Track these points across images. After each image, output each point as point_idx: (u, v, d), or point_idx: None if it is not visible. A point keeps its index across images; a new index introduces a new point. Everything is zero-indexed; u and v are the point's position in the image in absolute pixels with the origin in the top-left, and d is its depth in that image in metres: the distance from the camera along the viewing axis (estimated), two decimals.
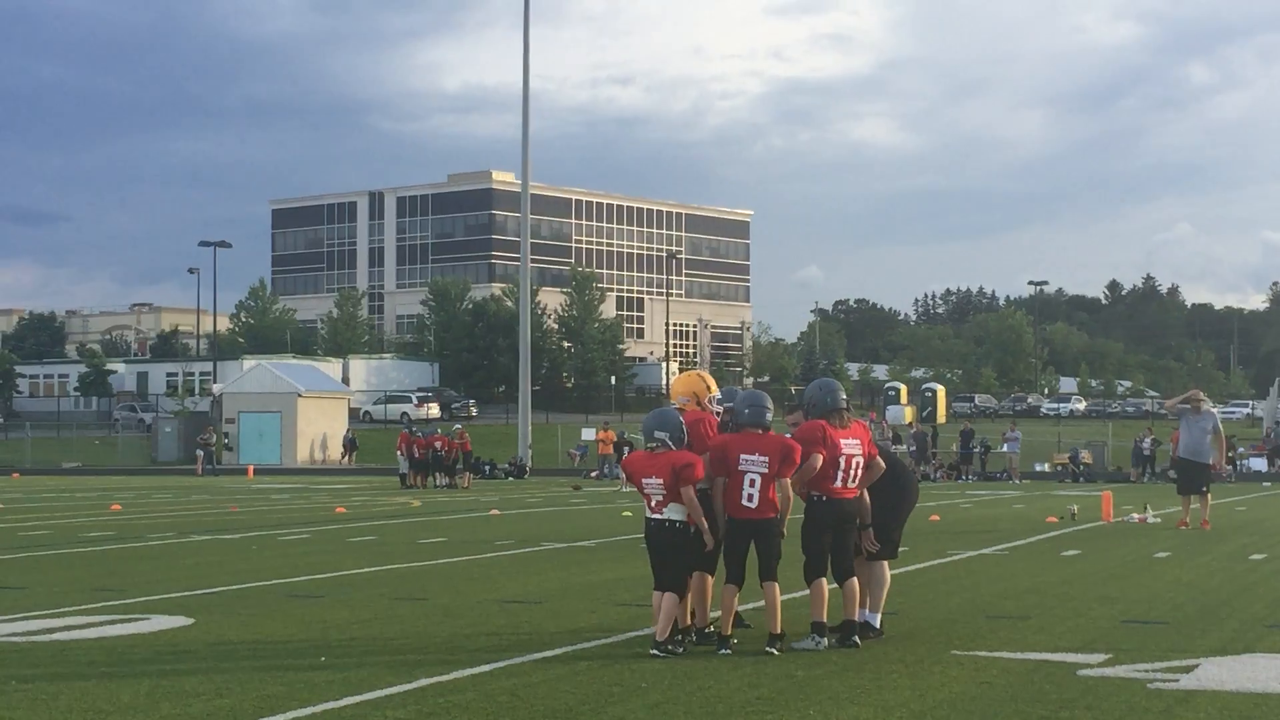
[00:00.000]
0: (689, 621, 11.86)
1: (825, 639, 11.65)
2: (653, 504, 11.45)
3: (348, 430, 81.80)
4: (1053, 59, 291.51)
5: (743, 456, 11.43)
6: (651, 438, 11.53)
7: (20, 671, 10.64)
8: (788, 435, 11.94)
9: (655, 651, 11.20)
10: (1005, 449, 61.61)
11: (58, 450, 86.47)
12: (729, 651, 11.30)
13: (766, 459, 11.44)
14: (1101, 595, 15.57)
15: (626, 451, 47.47)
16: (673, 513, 11.39)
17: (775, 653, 11.24)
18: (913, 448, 60.14)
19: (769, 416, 11.73)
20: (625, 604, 14.30)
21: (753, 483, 11.42)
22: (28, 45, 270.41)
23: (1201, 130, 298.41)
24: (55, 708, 9.27)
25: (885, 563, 12.51)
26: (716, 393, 12.34)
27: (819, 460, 11.71)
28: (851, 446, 11.90)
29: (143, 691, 9.81)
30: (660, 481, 11.34)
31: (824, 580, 11.78)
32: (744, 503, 11.44)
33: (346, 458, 77.52)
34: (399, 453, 53.48)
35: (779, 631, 11.39)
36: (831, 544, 11.89)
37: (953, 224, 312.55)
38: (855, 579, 11.96)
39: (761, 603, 11.66)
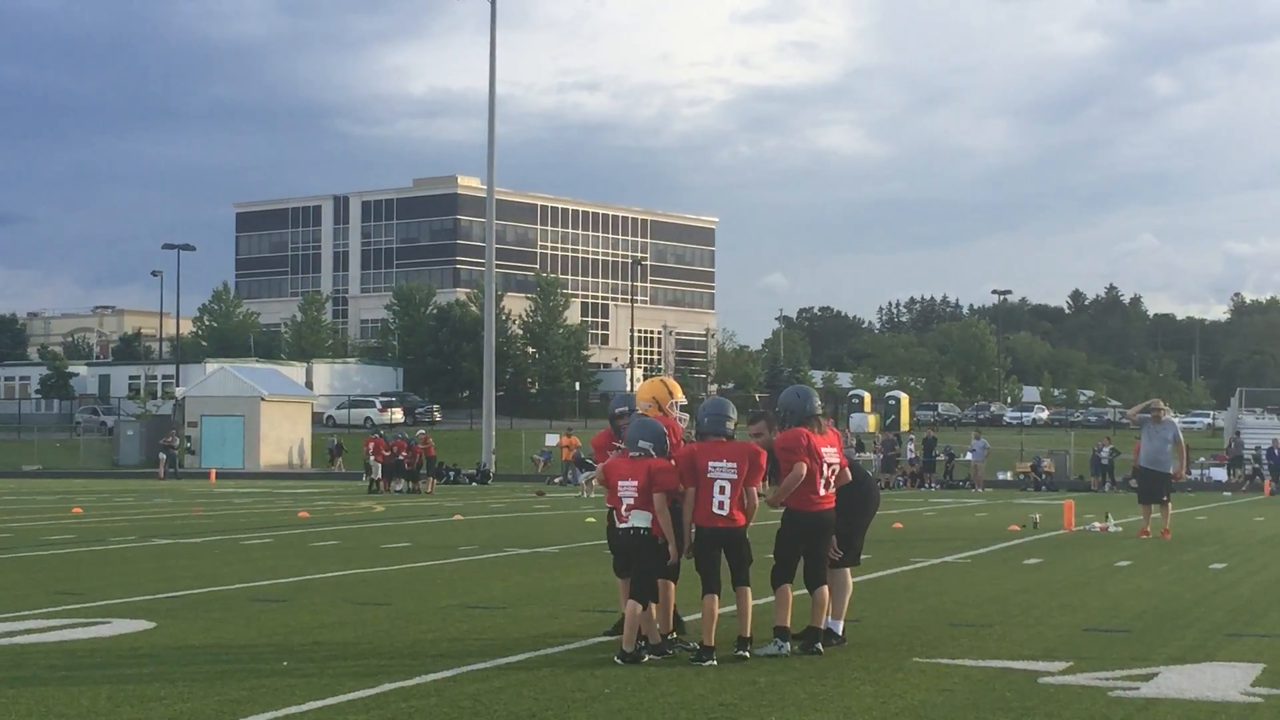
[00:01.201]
0: (670, 629, 11.90)
1: (789, 644, 11.66)
2: (623, 509, 11.47)
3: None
4: (1018, 69, 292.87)
5: (711, 464, 11.41)
6: (635, 446, 11.54)
7: None
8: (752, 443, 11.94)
9: (618, 660, 11.21)
10: (969, 457, 61.87)
11: (18, 453, 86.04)
12: (714, 662, 11.16)
13: (735, 465, 11.42)
14: (1063, 603, 15.64)
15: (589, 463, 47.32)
16: (638, 520, 11.40)
17: (747, 655, 11.23)
18: (879, 456, 60.39)
19: (730, 425, 11.66)
20: (588, 609, 14.31)
21: (722, 490, 11.37)
22: None
23: (1165, 141, 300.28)
24: (14, 712, 9.23)
25: (848, 570, 12.53)
26: (680, 398, 12.38)
27: (804, 469, 11.69)
28: (831, 455, 11.93)
29: (103, 696, 9.77)
30: (635, 484, 11.37)
31: (789, 586, 11.78)
32: (715, 510, 11.38)
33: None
34: (371, 458, 53.11)
35: (748, 635, 11.39)
36: (805, 551, 11.90)
37: (917, 233, 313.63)
38: (826, 587, 11.97)
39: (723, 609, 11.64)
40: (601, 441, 12.75)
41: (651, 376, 13.06)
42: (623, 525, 11.52)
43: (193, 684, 10.24)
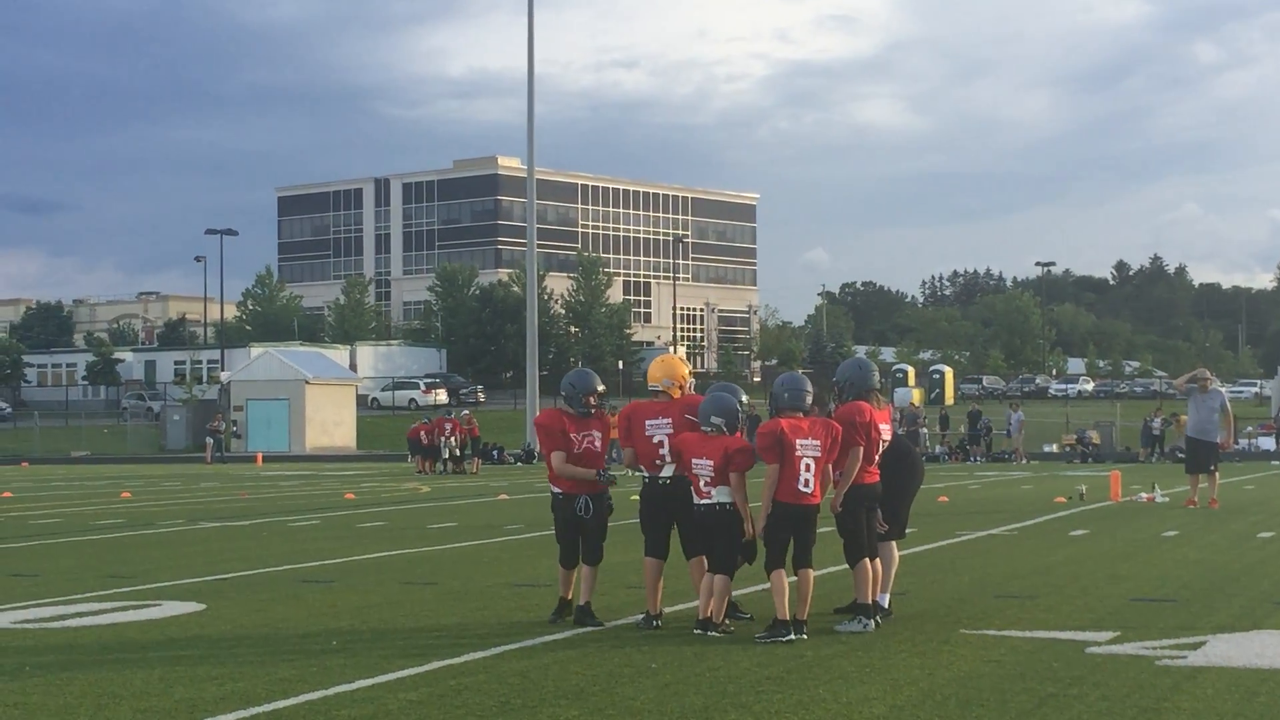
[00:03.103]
0: (658, 608, 11.99)
1: (873, 620, 11.62)
2: (700, 486, 11.51)
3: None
4: (1059, 39, 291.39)
5: (799, 442, 11.34)
6: (708, 422, 11.58)
7: (34, 658, 10.71)
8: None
9: (698, 630, 11.39)
10: (1011, 430, 61.57)
11: (66, 439, 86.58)
12: (796, 637, 11.12)
13: (819, 443, 11.39)
14: (1110, 574, 15.61)
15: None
16: (721, 495, 11.48)
17: (804, 638, 11.17)
18: (903, 429, 60.23)
19: (809, 400, 11.59)
20: (633, 586, 14.34)
21: (808, 467, 11.33)
22: (31, 34, 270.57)
23: (1209, 109, 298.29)
24: (69, 693, 9.33)
25: (894, 543, 12.51)
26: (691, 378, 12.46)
27: (860, 454, 11.69)
28: (886, 430, 11.93)
29: (155, 676, 9.86)
30: (710, 464, 11.43)
31: (867, 561, 11.74)
32: (800, 488, 11.32)
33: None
34: (443, 438, 52.98)
35: (804, 619, 11.34)
36: None
37: (959, 205, 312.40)
38: (868, 560, 11.94)
39: (764, 587, 11.61)
40: (555, 424, 12.27)
41: (663, 355, 12.89)
42: (705, 501, 11.54)
43: (244, 664, 10.34)
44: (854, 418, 11.69)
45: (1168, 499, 28.34)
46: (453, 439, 52.86)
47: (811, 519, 11.45)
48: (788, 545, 11.42)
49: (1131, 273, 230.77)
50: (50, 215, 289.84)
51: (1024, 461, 57.66)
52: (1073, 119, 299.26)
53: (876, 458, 11.89)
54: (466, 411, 60.92)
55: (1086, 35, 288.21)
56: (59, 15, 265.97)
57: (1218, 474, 26.96)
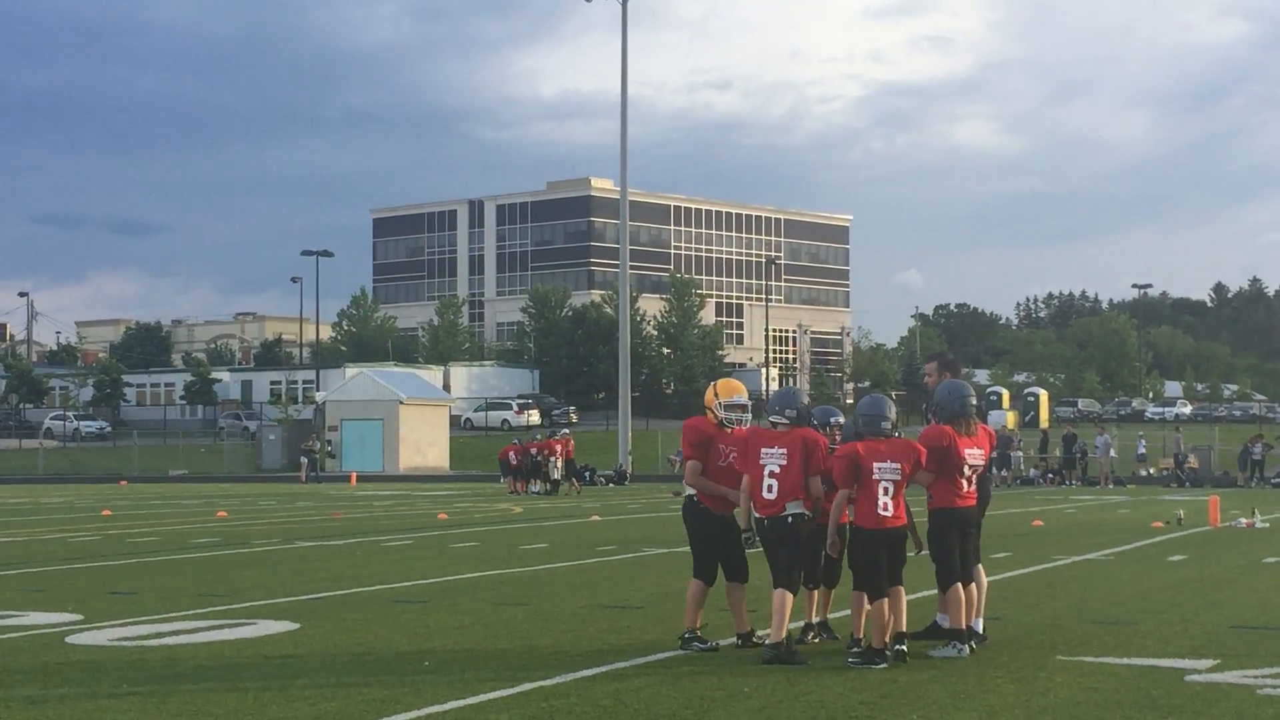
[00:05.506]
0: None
1: (968, 646, 11.52)
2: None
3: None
4: (1157, 58, 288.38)
5: (876, 465, 11.29)
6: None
7: (131, 675, 10.80)
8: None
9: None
10: (1097, 453, 60.89)
11: (164, 458, 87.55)
12: (890, 663, 11.09)
13: (898, 465, 11.34)
14: (1209, 600, 15.40)
15: None
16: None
17: (904, 649, 11.16)
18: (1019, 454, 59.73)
19: (888, 425, 11.49)
20: (726, 609, 14.27)
21: (886, 490, 11.29)
22: (129, 58, 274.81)
23: None
24: (164, 711, 9.40)
25: (980, 566, 12.36)
26: (728, 399, 11.95)
27: (929, 479, 11.68)
28: (975, 457, 11.80)
29: (250, 695, 9.92)
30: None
31: (959, 586, 11.66)
32: (880, 511, 11.28)
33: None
34: (554, 457, 52.96)
35: (904, 630, 11.33)
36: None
37: (1055, 227, 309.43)
38: (960, 585, 11.84)
39: (846, 612, 11.57)
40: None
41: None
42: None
43: (337, 684, 10.38)
44: (932, 441, 11.66)
45: (1268, 524, 27.94)
46: (560, 460, 52.89)
47: (897, 541, 11.41)
48: (882, 572, 11.33)
49: (1230, 295, 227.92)
50: (149, 237, 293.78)
51: (1107, 485, 57.01)
52: (1171, 139, 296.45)
53: (964, 482, 11.78)
54: (566, 431, 60.95)
55: (1185, 55, 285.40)
56: (157, 39, 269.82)
57: None
